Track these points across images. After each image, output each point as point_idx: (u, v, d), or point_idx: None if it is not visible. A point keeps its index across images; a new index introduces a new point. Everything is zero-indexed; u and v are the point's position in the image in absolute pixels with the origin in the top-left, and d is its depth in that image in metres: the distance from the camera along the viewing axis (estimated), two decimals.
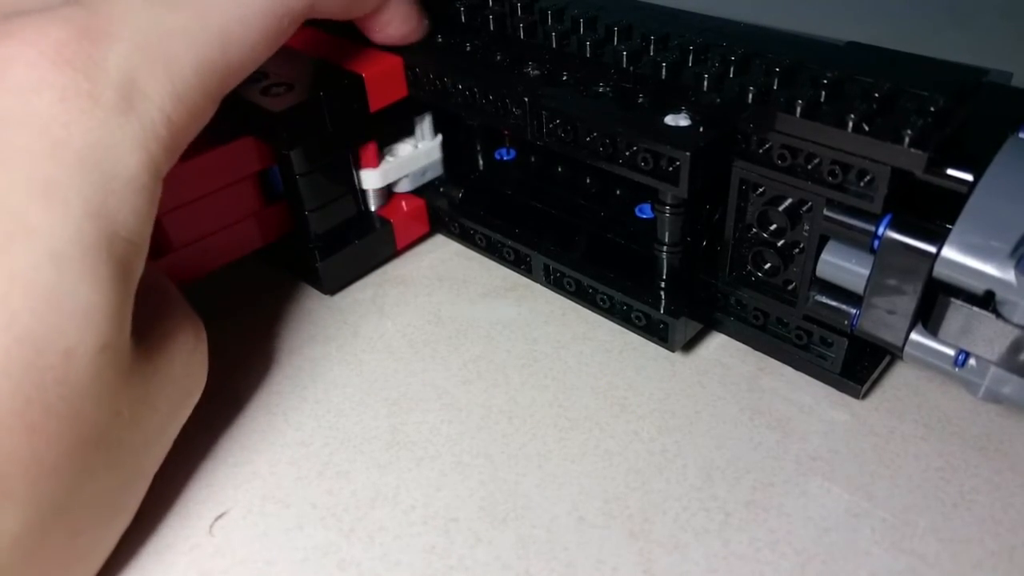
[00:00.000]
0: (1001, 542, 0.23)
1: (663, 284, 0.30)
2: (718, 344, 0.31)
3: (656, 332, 0.30)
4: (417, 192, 0.37)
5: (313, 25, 0.36)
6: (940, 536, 0.23)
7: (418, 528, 0.24)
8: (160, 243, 0.31)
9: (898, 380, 0.29)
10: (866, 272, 0.24)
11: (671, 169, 0.24)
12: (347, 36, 0.33)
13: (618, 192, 0.35)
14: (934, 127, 0.22)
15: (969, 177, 0.22)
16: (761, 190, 0.26)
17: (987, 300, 0.22)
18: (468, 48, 0.31)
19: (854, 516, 0.24)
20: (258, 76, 0.31)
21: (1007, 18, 0.51)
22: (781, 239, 0.27)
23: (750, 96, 0.25)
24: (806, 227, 0.26)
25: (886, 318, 0.25)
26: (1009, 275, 0.21)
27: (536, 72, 0.29)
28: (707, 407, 0.28)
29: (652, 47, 0.28)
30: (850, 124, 0.23)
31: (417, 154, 0.35)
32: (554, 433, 0.27)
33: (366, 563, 0.23)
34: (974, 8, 0.51)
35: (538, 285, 0.34)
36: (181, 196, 0.30)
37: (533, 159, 0.38)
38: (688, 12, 0.31)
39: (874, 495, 0.25)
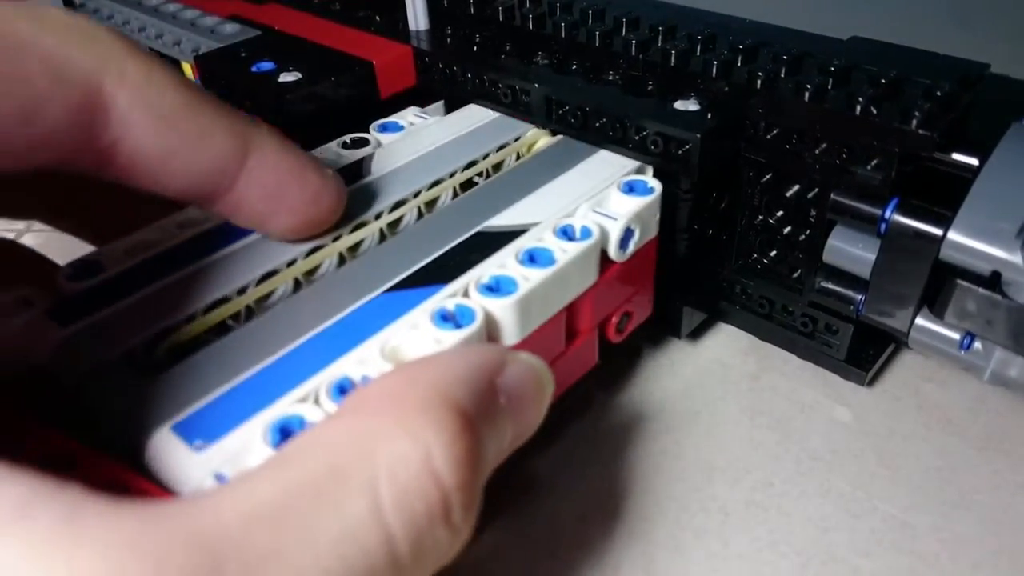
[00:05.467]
0: (1001, 542, 0.23)
1: (669, 271, 0.29)
2: (719, 344, 0.30)
3: (662, 320, 0.29)
4: None
5: (323, 14, 0.36)
6: (940, 536, 0.23)
7: None
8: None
9: (898, 380, 0.29)
10: (872, 257, 0.24)
11: (680, 152, 0.24)
12: (358, 25, 0.34)
13: None
14: (940, 111, 0.22)
15: (974, 161, 0.22)
16: (768, 176, 0.26)
17: (993, 282, 0.22)
18: (478, 38, 0.31)
19: (854, 516, 0.24)
20: (268, 63, 0.31)
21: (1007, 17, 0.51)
22: (788, 225, 0.27)
23: (759, 82, 0.25)
24: (813, 212, 0.26)
25: (892, 303, 0.25)
26: (1016, 256, 0.21)
27: (545, 61, 0.29)
28: (707, 407, 0.28)
29: (660, 37, 0.29)
30: (858, 108, 0.23)
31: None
32: (553, 433, 0.27)
33: None
34: (973, 8, 0.52)
35: None
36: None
37: None
38: (693, 8, 0.32)
39: (874, 495, 0.24)
